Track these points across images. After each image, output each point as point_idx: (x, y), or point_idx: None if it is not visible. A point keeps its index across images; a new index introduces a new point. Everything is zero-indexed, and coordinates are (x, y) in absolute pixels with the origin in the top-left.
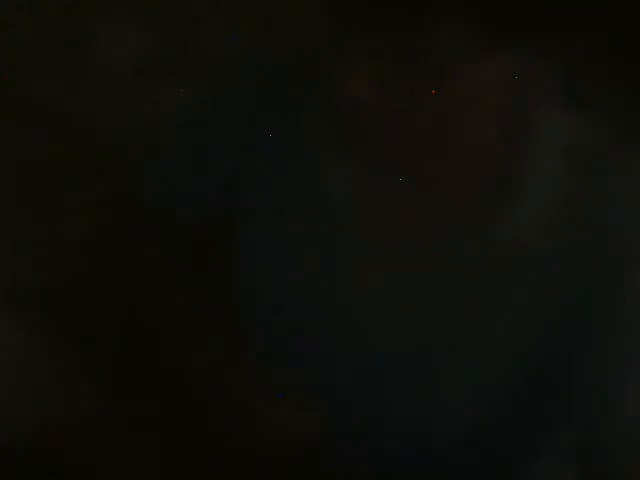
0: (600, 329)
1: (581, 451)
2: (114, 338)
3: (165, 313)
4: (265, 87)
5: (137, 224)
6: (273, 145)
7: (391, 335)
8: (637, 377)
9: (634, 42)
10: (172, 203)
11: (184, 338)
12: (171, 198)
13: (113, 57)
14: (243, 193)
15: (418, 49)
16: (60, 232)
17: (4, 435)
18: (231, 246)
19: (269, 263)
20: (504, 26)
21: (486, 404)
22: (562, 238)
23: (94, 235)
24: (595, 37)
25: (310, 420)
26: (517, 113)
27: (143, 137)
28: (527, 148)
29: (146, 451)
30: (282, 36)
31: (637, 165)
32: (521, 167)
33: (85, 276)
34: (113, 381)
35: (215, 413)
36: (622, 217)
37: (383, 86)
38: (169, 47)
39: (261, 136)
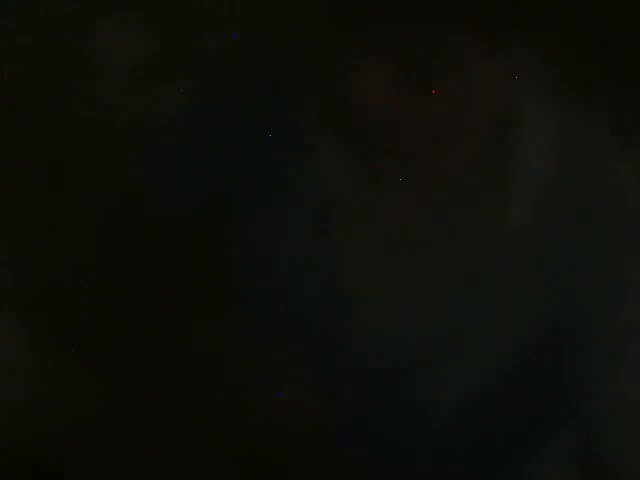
0: (601, 328)
1: (581, 451)
2: (114, 338)
3: (165, 313)
4: (265, 87)
5: (137, 224)
6: (273, 144)
7: (391, 335)
8: (638, 377)
9: (634, 41)
10: (172, 203)
11: (184, 338)
12: (171, 198)
13: (113, 57)
14: (244, 193)
15: (420, 48)
16: (60, 232)
17: (4, 435)
18: (231, 245)
19: (269, 262)
20: (503, 25)
21: (486, 404)
22: (565, 237)
23: (94, 235)
24: (596, 37)
25: (310, 419)
26: (516, 111)
27: (143, 137)
28: (526, 147)
29: (146, 451)
30: (283, 36)
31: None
32: (515, 165)
33: (85, 276)
34: (113, 381)
35: (216, 413)
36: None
37: (387, 86)
38: (169, 47)
39: (261, 135)
